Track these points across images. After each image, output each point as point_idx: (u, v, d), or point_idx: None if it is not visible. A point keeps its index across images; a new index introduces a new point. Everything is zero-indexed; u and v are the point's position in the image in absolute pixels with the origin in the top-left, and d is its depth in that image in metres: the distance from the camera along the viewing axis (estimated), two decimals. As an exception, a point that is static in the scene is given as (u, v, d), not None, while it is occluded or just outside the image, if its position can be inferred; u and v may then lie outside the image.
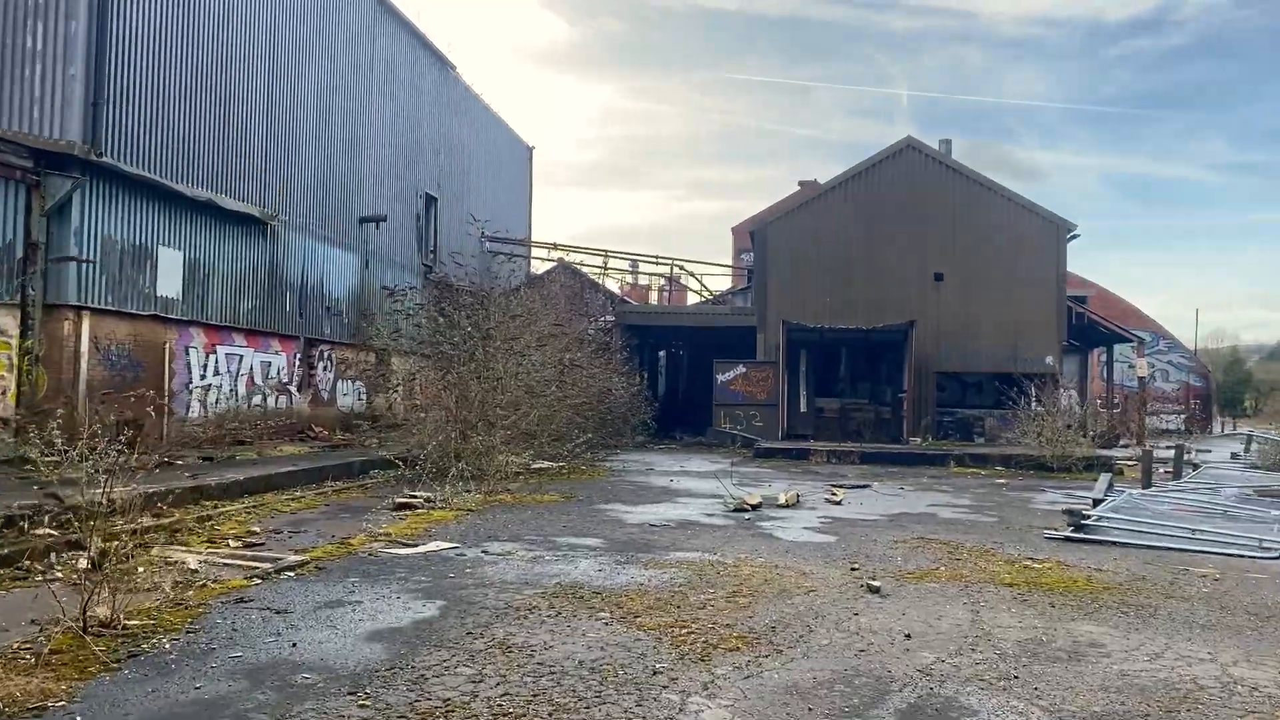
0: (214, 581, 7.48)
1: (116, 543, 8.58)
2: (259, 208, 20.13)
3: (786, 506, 13.91)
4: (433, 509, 12.39)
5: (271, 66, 20.76)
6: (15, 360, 14.75)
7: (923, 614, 7.22)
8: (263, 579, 7.74)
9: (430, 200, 29.82)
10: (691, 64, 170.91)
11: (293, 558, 8.50)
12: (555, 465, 18.77)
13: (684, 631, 6.47)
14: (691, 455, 24.72)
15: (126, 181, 16.11)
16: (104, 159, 15.30)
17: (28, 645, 5.64)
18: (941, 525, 12.42)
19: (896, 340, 28.74)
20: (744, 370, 29.43)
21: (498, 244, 33.02)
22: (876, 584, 8.20)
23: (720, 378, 29.41)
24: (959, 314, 28.56)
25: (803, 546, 10.43)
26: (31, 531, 8.43)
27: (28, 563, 7.61)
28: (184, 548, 8.89)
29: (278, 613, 6.65)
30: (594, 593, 7.67)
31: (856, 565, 9.26)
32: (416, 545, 9.60)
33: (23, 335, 14.69)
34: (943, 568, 9.27)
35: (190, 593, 7.03)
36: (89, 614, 5.86)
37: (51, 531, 8.69)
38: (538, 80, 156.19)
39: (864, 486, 17.23)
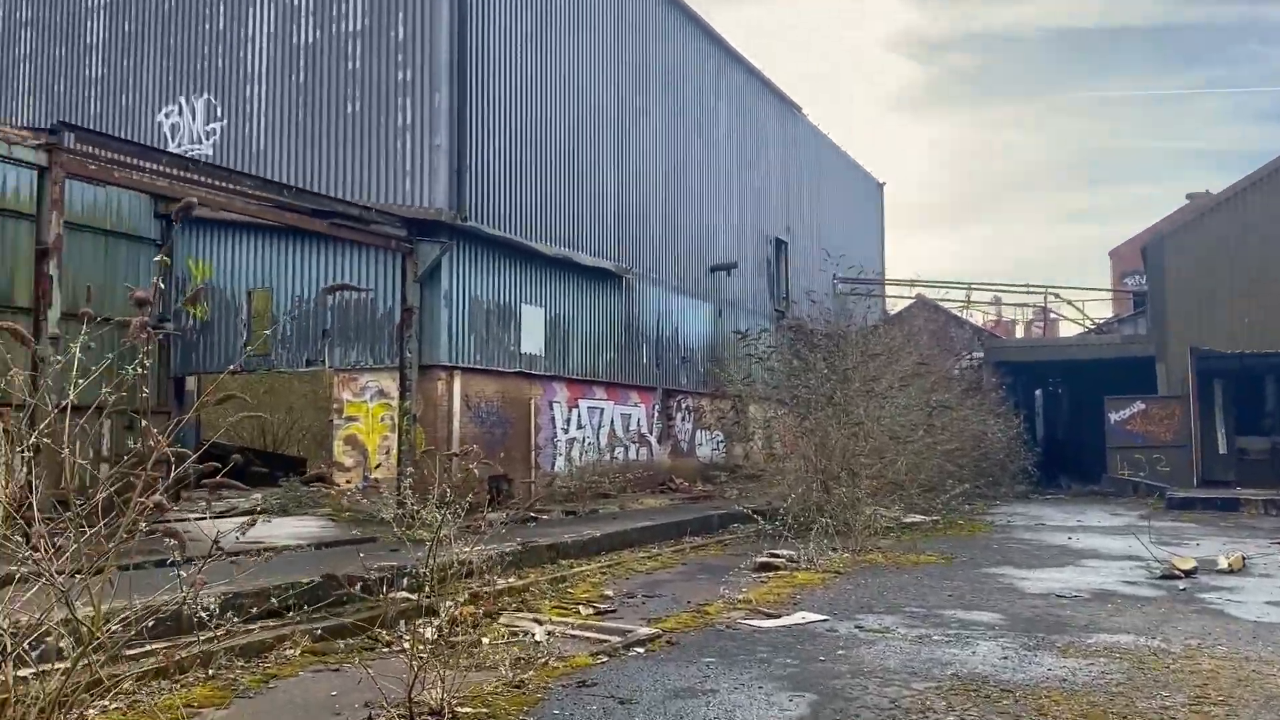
0: (557, 659, 6.73)
1: (469, 608, 8.20)
2: (613, 261, 20.27)
3: (1232, 572, 11.22)
4: (796, 570, 11.19)
5: (619, 123, 21.00)
6: (396, 420, 15.51)
7: None
8: (609, 656, 6.89)
9: (780, 244, 29.08)
10: (1049, 89, 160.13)
11: (643, 630, 7.63)
12: (927, 519, 16.94)
13: (1144, 760, 4.73)
14: (1085, 507, 21.67)
15: (488, 243, 16.64)
16: (468, 223, 15.87)
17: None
18: None
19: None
20: (1143, 407, 25.67)
21: (851, 283, 31.59)
22: None
23: (1113, 417, 25.86)
24: None
25: (1275, 629, 8.04)
26: (387, 595, 8.24)
27: (379, 630, 7.31)
28: (533, 615, 8.32)
29: (621, 703, 5.72)
30: (1002, 690, 6.06)
31: (1369, 662, 6.84)
32: (780, 616, 8.42)
33: (402, 396, 15.42)
34: None
35: (530, 673, 6.30)
36: (418, 698, 5.23)
37: (408, 595, 8.49)
38: (888, 124, 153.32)
39: (1329, 546, 13.81)
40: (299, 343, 16.57)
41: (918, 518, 16.78)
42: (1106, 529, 16.44)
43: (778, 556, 11.66)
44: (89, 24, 19.33)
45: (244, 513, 16.44)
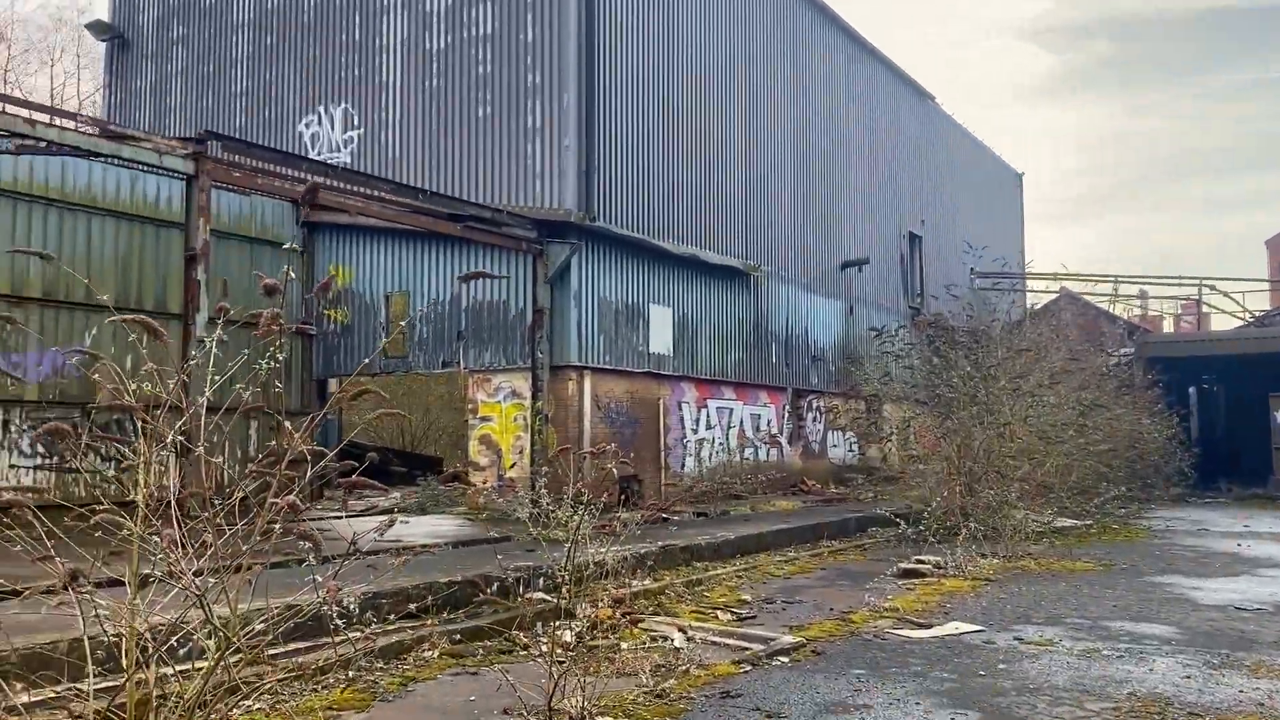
0: (698, 667, 6.46)
1: (606, 611, 8.01)
2: (740, 259, 19.92)
3: None
4: (944, 577, 10.64)
5: (746, 119, 20.63)
6: (529, 420, 15.54)
7: None
8: (753, 665, 6.59)
9: (914, 239, 28.16)
10: (1196, 72, 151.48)
11: (787, 638, 7.29)
12: (1079, 524, 16.00)
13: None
14: (1253, 511, 20.19)
15: (616, 243, 16.53)
16: (596, 223, 15.79)
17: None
18: None
19: None
20: (1315, 405, 23.80)
21: (990, 277, 30.37)
22: None
23: (1282, 415, 24.05)
24: None
25: None
26: (524, 597, 8.14)
27: (516, 633, 7.18)
28: (671, 619, 8.08)
29: (769, 716, 5.41)
30: (1190, 714, 5.50)
31: None
32: (931, 626, 7.96)
33: (534, 396, 15.44)
34: None
35: (671, 682, 6.05)
36: (557, 706, 5.04)
37: (545, 597, 8.36)
38: (1025, 113, 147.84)
39: None
40: (435, 344, 16.79)
41: (1068, 522, 15.88)
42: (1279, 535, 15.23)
43: (923, 562, 11.11)
44: (234, 39, 20.12)
45: (383, 511, 16.78)
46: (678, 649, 6.96)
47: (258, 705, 4.95)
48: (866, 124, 26.00)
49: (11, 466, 13.65)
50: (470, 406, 16.65)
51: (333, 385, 18.97)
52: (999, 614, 8.58)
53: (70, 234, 14.53)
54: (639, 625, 7.61)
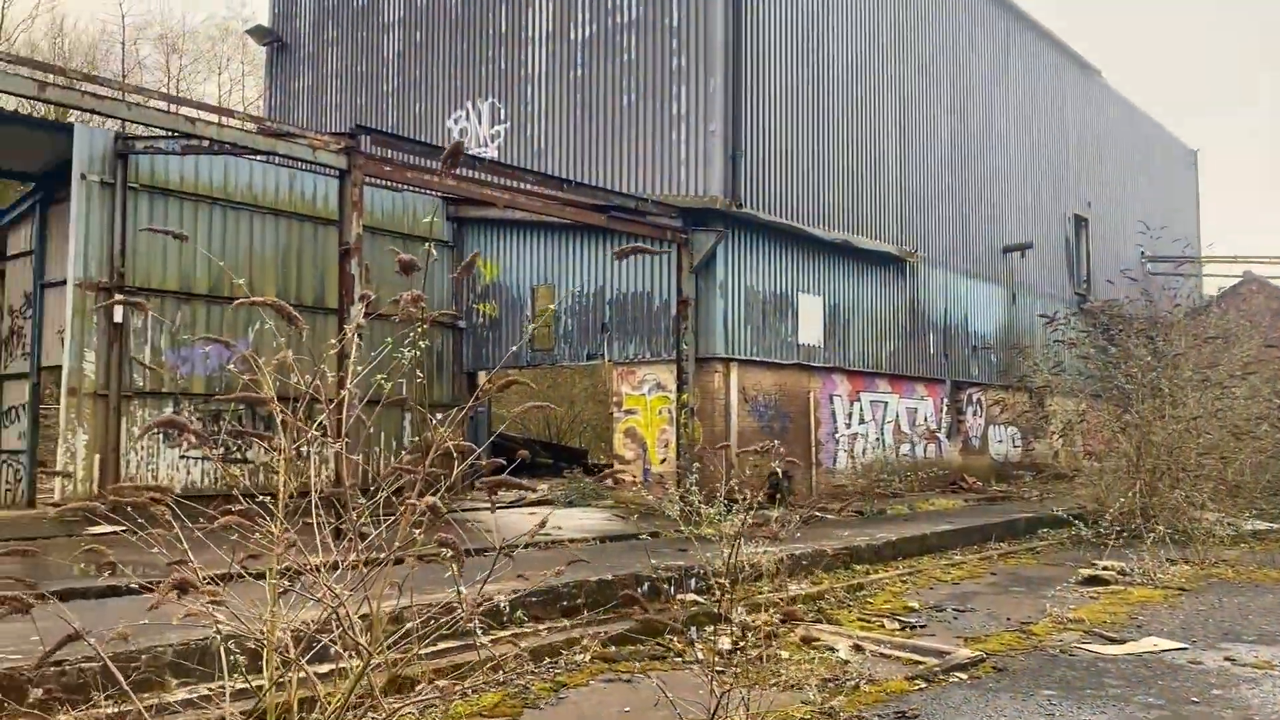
0: (868, 682, 5.96)
1: (764, 616, 7.59)
2: (895, 244, 19.07)
3: None
4: (1130, 585, 9.74)
5: (900, 97, 19.74)
6: (674, 414, 15.22)
7: None
8: (928, 681, 6.03)
9: (1079, 221, 26.52)
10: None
11: (962, 651, 6.69)
12: (1276, 527, 14.59)
13: None
14: None
15: (763, 230, 16.01)
16: (743, 209, 15.32)
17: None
18: None
19: None
20: None
21: (1164, 261, 28.35)
22: None
23: None
24: None
25: None
26: (676, 598, 7.79)
27: (668, 637, 6.83)
28: (833, 627, 7.58)
29: (954, 743, 4.88)
30: None
31: None
32: (1124, 641, 7.20)
33: (679, 389, 15.10)
34: None
35: (840, 698, 5.56)
36: (720, 723, 4.65)
37: (697, 599, 8.00)
38: (1197, 88, 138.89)
39: None
40: (580, 337, 16.66)
41: (1265, 525, 14.51)
42: None
43: (1107, 569, 10.23)
44: (385, 38, 20.51)
45: (533, 503, 16.79)
46: (845, 661, 6.47)
47: (406, 709, 4.74)
48: (1029, 101, 24.59)
49: (182, 458, 14.20)
50: (615, 399, 16.45)
51: (482, 378, 19.14)
52: (1201, 629, 7.72)
53: (233, 232, 15.01)
54: (798, 633, 7.15)
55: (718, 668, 5.67)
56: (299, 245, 15.79)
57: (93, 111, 9.22)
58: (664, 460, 15.43)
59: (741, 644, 7.03)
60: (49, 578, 7.79)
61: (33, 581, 3.99)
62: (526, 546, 10.18)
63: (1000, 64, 23.50)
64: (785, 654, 6.56)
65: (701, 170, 15.45)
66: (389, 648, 3.82)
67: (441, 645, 5.85)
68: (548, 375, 32.01)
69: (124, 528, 11.31)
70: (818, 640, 7.05)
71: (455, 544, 4.11)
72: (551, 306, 16.30)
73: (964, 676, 6.18)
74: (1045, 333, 21.90)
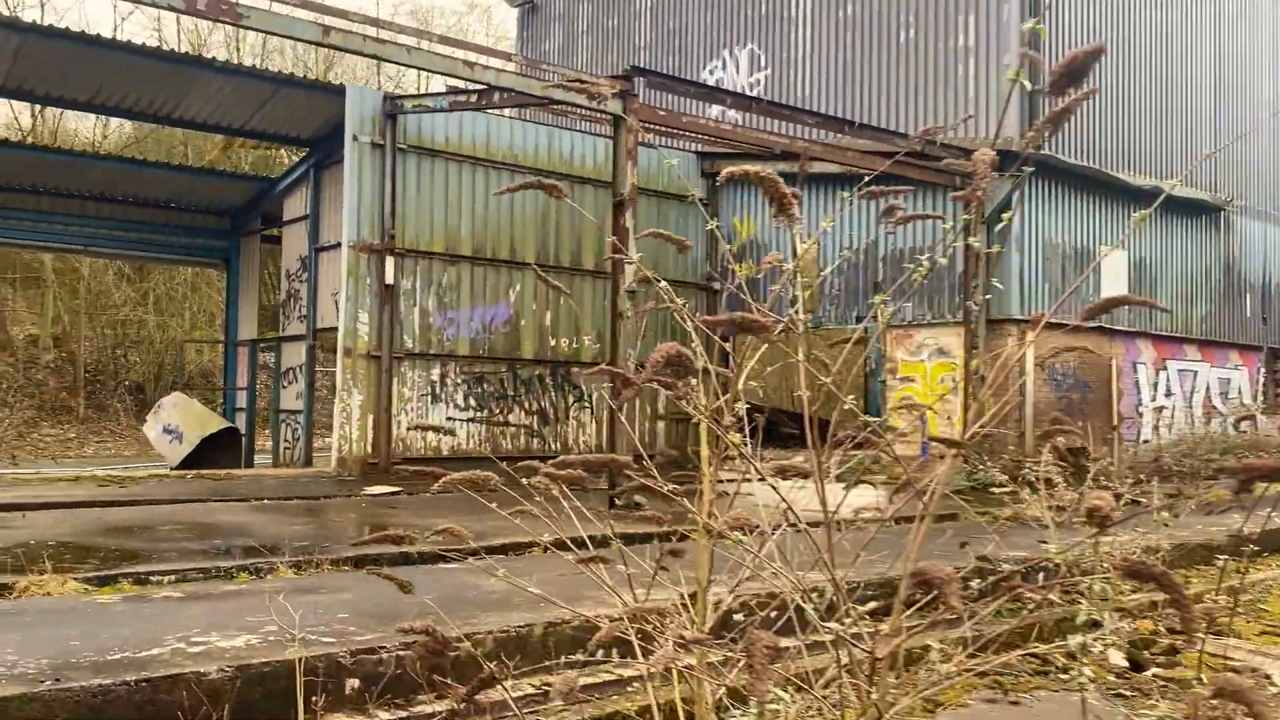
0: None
1: (1148, 624, 6.28)
2: (1209, 191, 16.64)
3: None
4: None
5: (1215, 22, 17.14)
6: (960, 382, 13.79)
7: None
8: None
9: None
10: None
11: None
12: None
13: None
14: None
15: (1064, 176, 14.21)
16: (1042, 152, 13.59)
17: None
18: None
19: None
20: None
21: None
22: None
23: None
24: None
25: None
26: (1028, 598, 6.56)
27: (1038, 646, 5.64)
28: (1236, 641, 6.14)
29: None
30: None
31: None
32: None
33: (967, 354, 13.64)
34: None
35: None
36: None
37: (1054, 599, 6.75)
38: None
39: None
40: (847, 298, 15.45)
41: None
42: None
43: None
44: (638, -10, 19.86)
45: (799, 475, 15.79)
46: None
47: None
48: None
49: (448, 419, 14.11)
50: (889, 366, 15.14)
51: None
52: None
53: (495, 190, 14.76)
54: (1202, 649, 5.79)
55: (1121, 691, 4.49)
56: (556, 206, 15.39)
57: (374, 56, 8.89)
58: (947, 433, 14.02)
59: (1140, 660, 5.77)
60: (337, 541, 7.53)
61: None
62: (817, 525, 9.20)
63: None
64: (1191, 674, 5.26)
65: (992, 108, 13.82)
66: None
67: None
68: (790, 340, 30.90)
69: (399, 489, 10.94)
70: (1232, 660, 5.67)
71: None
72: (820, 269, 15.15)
73: None
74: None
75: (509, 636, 4.50)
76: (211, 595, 5.28)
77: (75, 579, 5.69)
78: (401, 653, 4.16)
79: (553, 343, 15.22)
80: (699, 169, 17.24)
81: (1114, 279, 15.02)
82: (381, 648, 4.13)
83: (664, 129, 11.93)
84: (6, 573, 5.82)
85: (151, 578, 5.94)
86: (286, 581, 5.90)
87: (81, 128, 30.15)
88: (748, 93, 17.27)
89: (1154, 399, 15.79)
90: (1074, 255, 14.46)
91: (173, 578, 6.01)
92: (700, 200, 17.26)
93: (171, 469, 15.91)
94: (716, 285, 17.28)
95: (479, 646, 4.45)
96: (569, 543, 7.80)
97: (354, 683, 4.04)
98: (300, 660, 3.52)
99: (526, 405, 14.87)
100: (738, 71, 17.37)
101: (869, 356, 27.44)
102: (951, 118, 14.32)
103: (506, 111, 17.44)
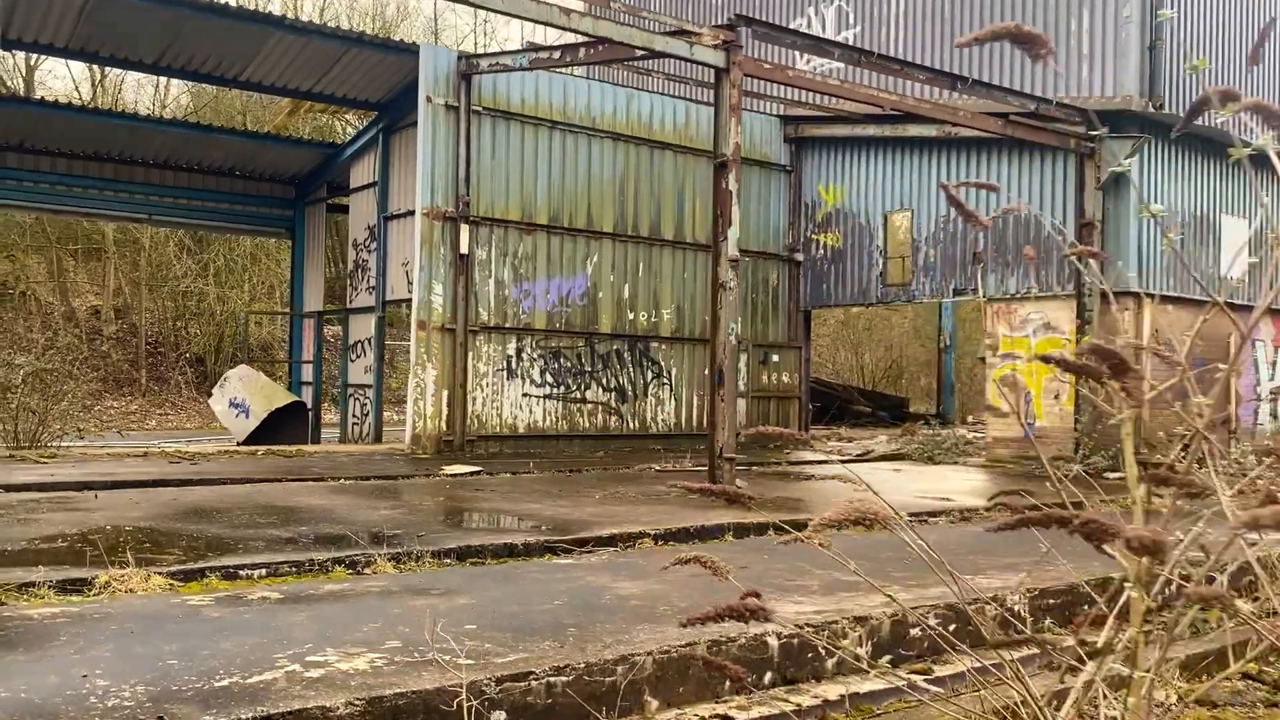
0: None
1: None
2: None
3: None
4: None
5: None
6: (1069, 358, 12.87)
7: None
8: None
9: None
10: None
11: None
12: None
13: None
14: None
15: (1183, 138, 13.17)
16: (1163, 112, 12.58)
17: None
18: None
19: None
20: None
21: None
22: None
23: None
24: None
25: None
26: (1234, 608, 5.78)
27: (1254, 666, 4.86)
28: None
29: None
30: None
31: None
32: None
33: (1078, 330, 12.74)
34: None
35: None
36: None
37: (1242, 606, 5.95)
38: None
39: None
40: (944, 269, 14.56)
41: None
42: None
43: None
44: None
45: (881, 457, 15.00)
46: None
47: None
48: None
49: (524, 395, 13.51)
50: (989, 342, 14.25)
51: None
52: None
53: (572, 156, 14.05)
54: None
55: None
56: (636, 170, 14.65)
57: (469, 2, 8.18)
58: (1053, 414, 13.16)
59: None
60: (429, 528, 6.94)
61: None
62: (924, 516, 8.43)
63: None
64: None
65: (1111, 66, 12.81)
66: None
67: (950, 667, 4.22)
68: (862, 315, 29.91)
69: (479, 469, 10.21)
70: None
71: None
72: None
73: None
74: None
75: (670, 658, 3.83)
76: (313, 597, 4.68)
77: (159, 574, 5.12)
78: (553, 679, 3.51)
79: (630, 316, 14.53)
80: (781, 133, 16.41)
81: (1234, 250, 13.98)
82: (530, 673, 3.48)
83: (770, 82, 11.10)
84: (85, 564, 5.29)
85: (241, 572, 5.37)
86: (389, 579, 5.29)
87: (141, 98, 29.92)
88: (836, 52, 16.35)
89: (1272, 379, 14.77)
90: (1193, 223, 13.46)
91: (263, 572, 5.44)
92: (783, 167, 16.47)
93: (238, 444, 15.51)
94: (799, 256, 16.47)
95: (635, 670, 3.79)
96: (683, 532, 6.83)
97: (500, 715, 3.39)
98: (465, 696, 2.87)
99: (604, 381, 14.22)
100: (824, 29, 16.43)
101: (942, 331, 26.45)
102: (1068, 73, 13.33)
103: (576, 71, 16.71)
